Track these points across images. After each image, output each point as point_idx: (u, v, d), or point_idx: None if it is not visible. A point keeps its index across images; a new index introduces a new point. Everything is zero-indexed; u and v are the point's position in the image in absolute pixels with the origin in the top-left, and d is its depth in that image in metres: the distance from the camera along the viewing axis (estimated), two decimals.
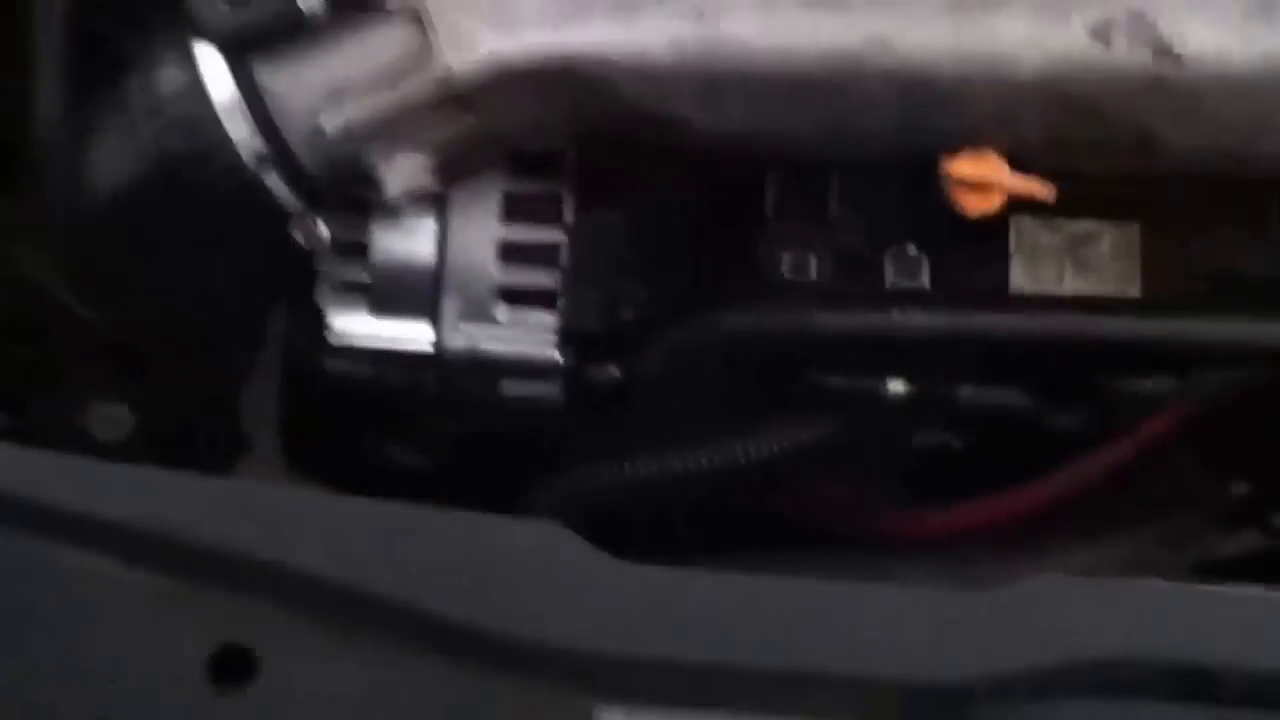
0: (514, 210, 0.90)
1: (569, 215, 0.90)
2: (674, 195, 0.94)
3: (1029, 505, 0.93)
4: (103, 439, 0.93)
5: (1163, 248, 0.88)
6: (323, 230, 0.86)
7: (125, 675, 0.75)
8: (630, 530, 0.82)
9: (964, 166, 0.80)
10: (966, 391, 0.88)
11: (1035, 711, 0.69)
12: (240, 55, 0.81)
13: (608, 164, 0.91)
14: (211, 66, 0.82)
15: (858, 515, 0.98)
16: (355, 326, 0.91)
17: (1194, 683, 0.68)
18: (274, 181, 0.83)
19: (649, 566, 0.72)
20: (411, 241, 0.90)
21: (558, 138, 0.87)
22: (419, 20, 0.79)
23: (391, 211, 0.87)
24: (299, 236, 0.86)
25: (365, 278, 0.90)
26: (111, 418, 0.93)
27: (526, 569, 0.72)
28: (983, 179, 0.80)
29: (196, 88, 0.82)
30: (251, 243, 0.88)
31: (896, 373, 0.88)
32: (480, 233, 0.90)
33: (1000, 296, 0.87)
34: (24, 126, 0.91)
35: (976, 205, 0.82)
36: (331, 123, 0.81)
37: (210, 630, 0.74)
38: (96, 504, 0.75)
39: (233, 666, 0.74)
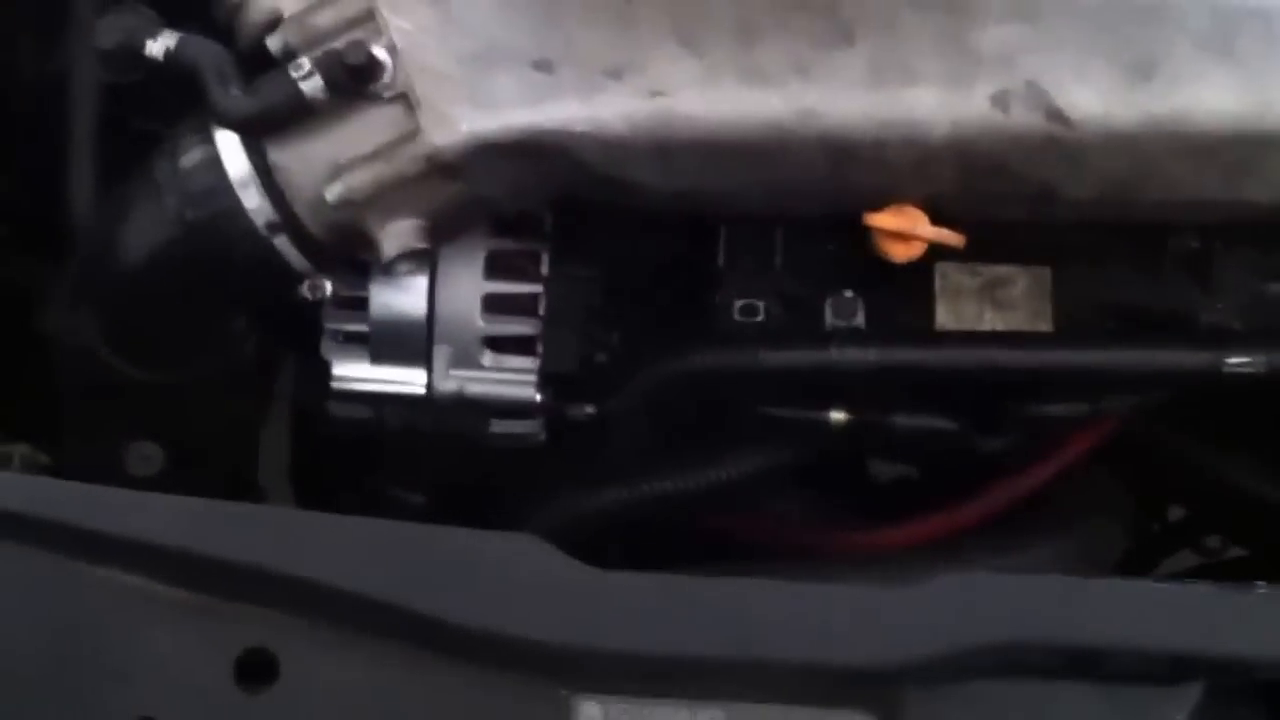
0: (496, 267, 1.00)
1: (545, 270, 1.01)
2: (638, 252, 1.05)
3: (961, 521, 1.03)
4: (136, 474, 1.03)
5: (1070, 287, 0.98)
6: (328, 288, 0.96)
7: (162, 679, 0.84)
8: (603, 547, 0.92)
9: (886, 220, 0.91)
10: (901, 419, 0.98)
11: (955, 691, 0.79)
12: (253, 136, 0.92)
13: (580, 225, 1.02)
14: (228, 146, 0.92)
15: (805, 534, 1.08)
16: (356, 372, 1.01)
17: (1084, 661, 0.78)
18: (284, 245, 0.93)
19: (617, 572, 0.82)
20: (405, 297, 1.00)
21: (534, 202, 0.98)
22: (408, 103, 0.90)
23: (387, 270, 0.97)
24: (306, 293, 0.96)
25: (365, 329, 1.00)
26: (144, 454, 1.04)
27: (510, 575, 0.83)
28: (904, 230, 0.91)
29: (215, 164, 0.92)
30: (264, 300, 0.99)
31: (838, 404, 0.99)
32: (466, 288, 1.00)
33: (927, 333, 0.97)
34: (61, 205, 1.03)
35: (901, 253, 0.92)
36: (333, 193, 0.91)
37: (235, 637, 0.84)
38: (131, 528, 0.85)
39: (256, 668, 0.84)
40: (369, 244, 0.93)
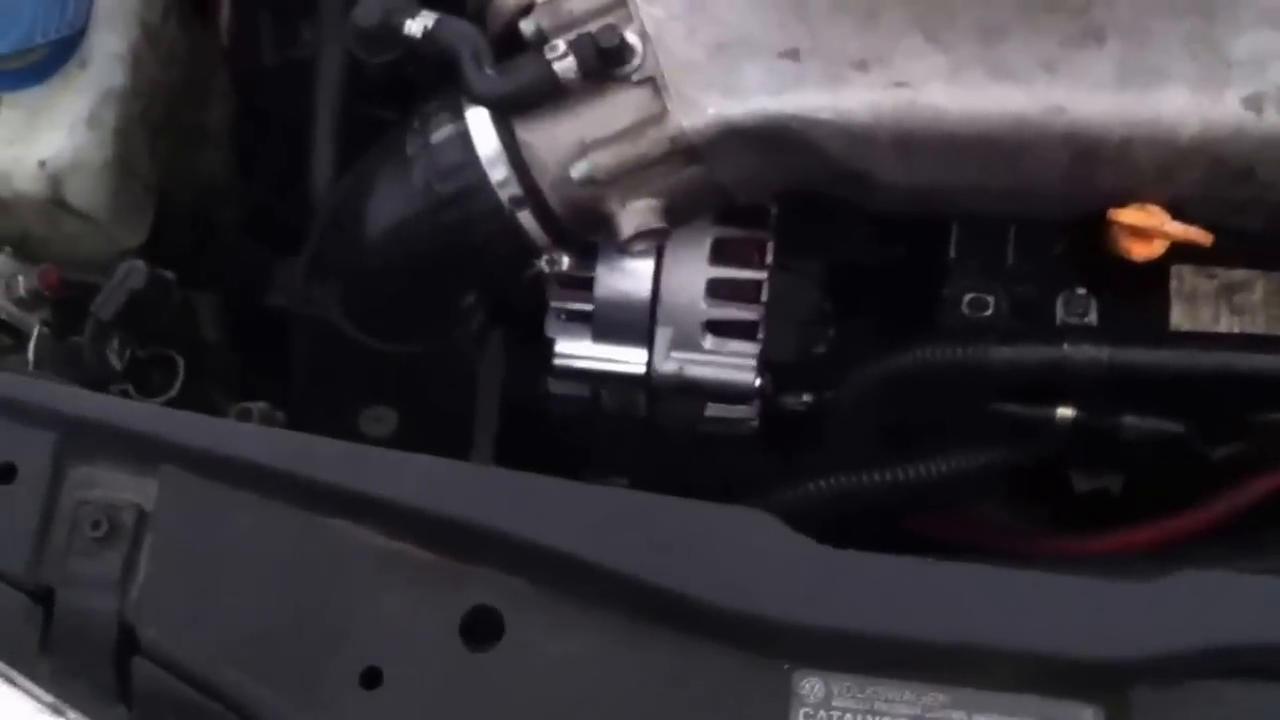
0: (722, 254, 1.03)
1: (770, 259, 1.03)
2: (863, 247, 1.06)
3: (1177, 529, 1.01)
4: (369, 434, 1.07)
5: None
6: (565, 262, 0.99)
7: (390, 631, 0.87)
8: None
9: (1130, 215, 0.91)
10: (1130, 421, 0.97)
11: (1184, 691, 0.78)
12: (504, 113, 0.95)
13: (807, 218, 1.03)
14: (478, 123, 0.96)
15: (1013, 538, 1.07)
16: (577, 350, 1.04)
17: None
18: (526, 219, 0.96)
19: (845, 550, 0.83)
20: (631, 278, 1.03)
21: (769, 192, 0.99)
22: (656, 87, 0.92)
23: (619, 250, 1.00)
24: (544, 266, 0.99)
25: (589, 308, 1.03)
26: (376, 416, 1.08)
27: (736, 548, 0.84)
28: (1146, 226, 0.90)
29: (465, 140, 0.96)
30: (502, 274, 1.02)
31: (1066, 402, 0.98)
32: (692, 272, 1.02)
33: (1162, 332, 0.96)
34: (299, 185, 1.07)
35: (1140, 251, 0.92)
36: (578, 170, 0.94)
37: (464, 595, 0.86)
38: (369, 483, 0.88)
39: (483, 628, 0.86)
40: (607, 222, 0.96)
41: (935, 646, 0.81)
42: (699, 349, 1.04)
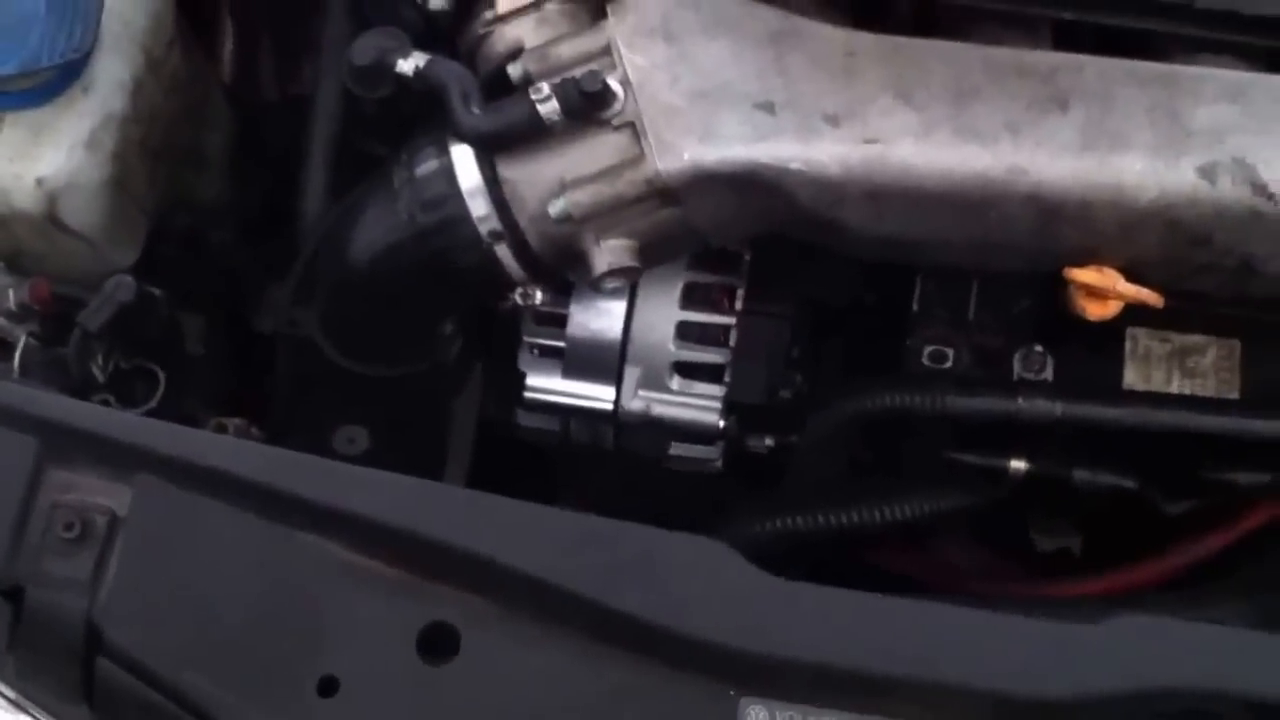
0: (692, 298, 1.06)
1: (739, 305, 1.06)
2: (830, 295, 1.09)
3: (1137, 579, 1.04)
4: (341, 453, 1.09)
5: (1259, 361, 1.00)
6: (538, 296, 1.02)
7: (350, 642, 0.89)
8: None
9: (1086, 275, 0.94)
10: (1082, 474, 1.00)
11: None
12: (487, 150, 0.98)
13: (776, 266, 1.07)
14: (462, 159, 0.99)
15: (978, 582, 1.10)
16: (548, 384, 1.08)
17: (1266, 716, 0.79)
18: (504, 253, 0.99)
19: (797, 582, 0.85)
20: (602, 318, 1.06)
21: (740, 236, 1.03)
22: (635, 131, 0.96)
23: (592, 288, 1.03)
24: (518, 299, 1.02)
25: (561, 344, 1.06)
26: (349, 436, 1.10)
27: (690, 576, 0.86)
28: (1102, 286, 0.94)
29: (449, 174, 0.99)
30: (477, 303, 1.05)
31: (1019, 454, 1.01)
32: (662, 315, 1.06)
33: (1115, 390, 0.99)
34: (291, 212, 1.10)
35: (1096, 311, 0.95)
36: (556, 208, 0.97)
37: (422, 610, 0.88)
38: (334, 497, 0.90)
39: (439, 642, 0.88)
40: (581, 258, 0.99)
41: (876, 678, 0.83)
42: (666, 389, 1.07)
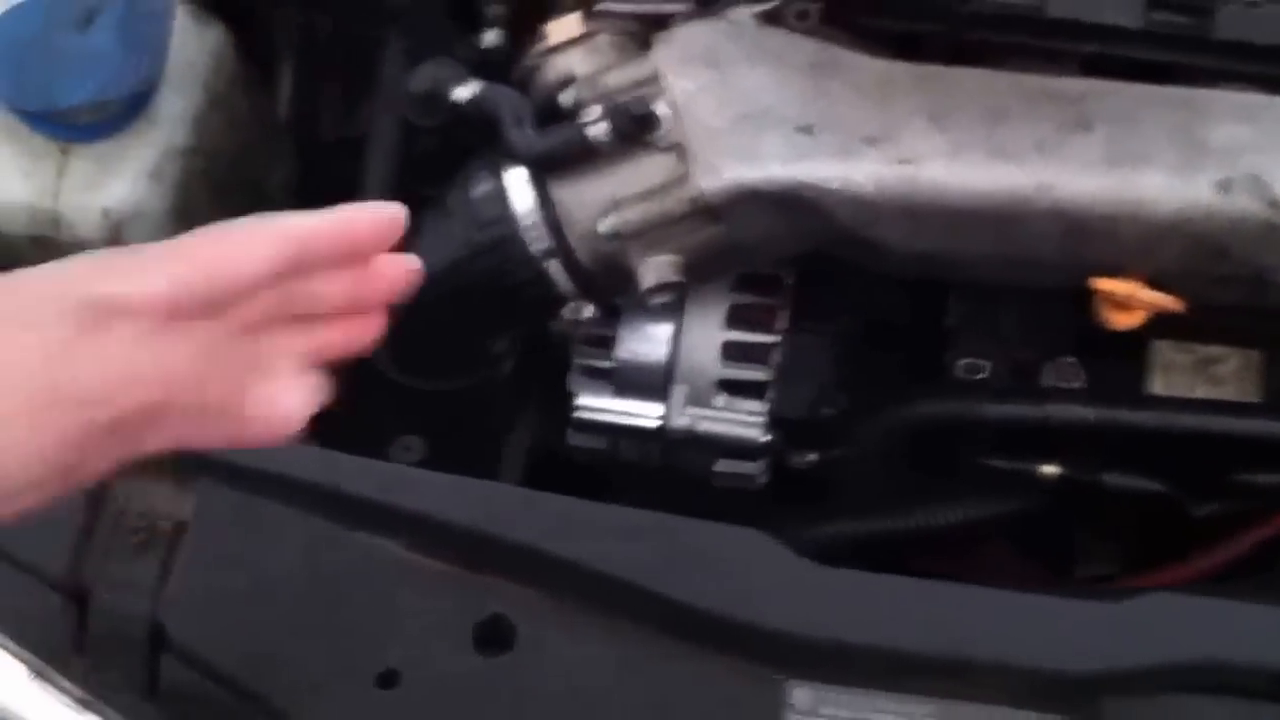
0: (737, 318, 1.10)
1: (783, 324, 1.10)
2: (872, 312, 1.14)
3: (1167, 581, 1.07)
4: (398, 461, 1.13)
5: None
6: (588, 311, 1.07)
7: (408, 637, 0.93)
8: None
9: (1110, 284, 0.98)
10: (1112, 478, 1.04)
11: (1154, 704, 0.83)
12: (540, 171, 1.03)
13: (820, 285, 1.11)
14: (515, 180, 1.04)
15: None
16: (597, 404, 1.11)
17: None
18: (555, 270, 1.04)
19: (839, 569, 0.89)
20: (650, 340, 1.10)
21: (782, 254, 1.07)
22: (681, 152, 1.01)
23: (636, 315, 1.07)
24: (569, 315, 1.07)
25: (610, 365, 1.10)
26: (406, 445, 1.14)
27: (739, 564, 0.90)
28: (1126, 295, 0.98)
29: (502, 195, 1.04)
30: (530, 321, 1.09)
31: (1051, 460, 1.05)
32: (708, 335, 1.10)
33: (1143, 395, 1.03)
34: None
35: (1122, 320, 0.99)
36: (605, 225, 1.02)
37: (478, 604, 0.92)
38: (391, 496, 0.95)
39: (495, 635, 0.92)
40: (629, 275, 1.04)
41: (920, 659, 0.86)
42: (711, 406, 1.11)
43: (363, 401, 1.15)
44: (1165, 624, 0.85)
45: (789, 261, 1.10)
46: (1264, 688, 0.83)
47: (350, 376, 1.15)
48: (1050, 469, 1.04)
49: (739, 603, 0.89)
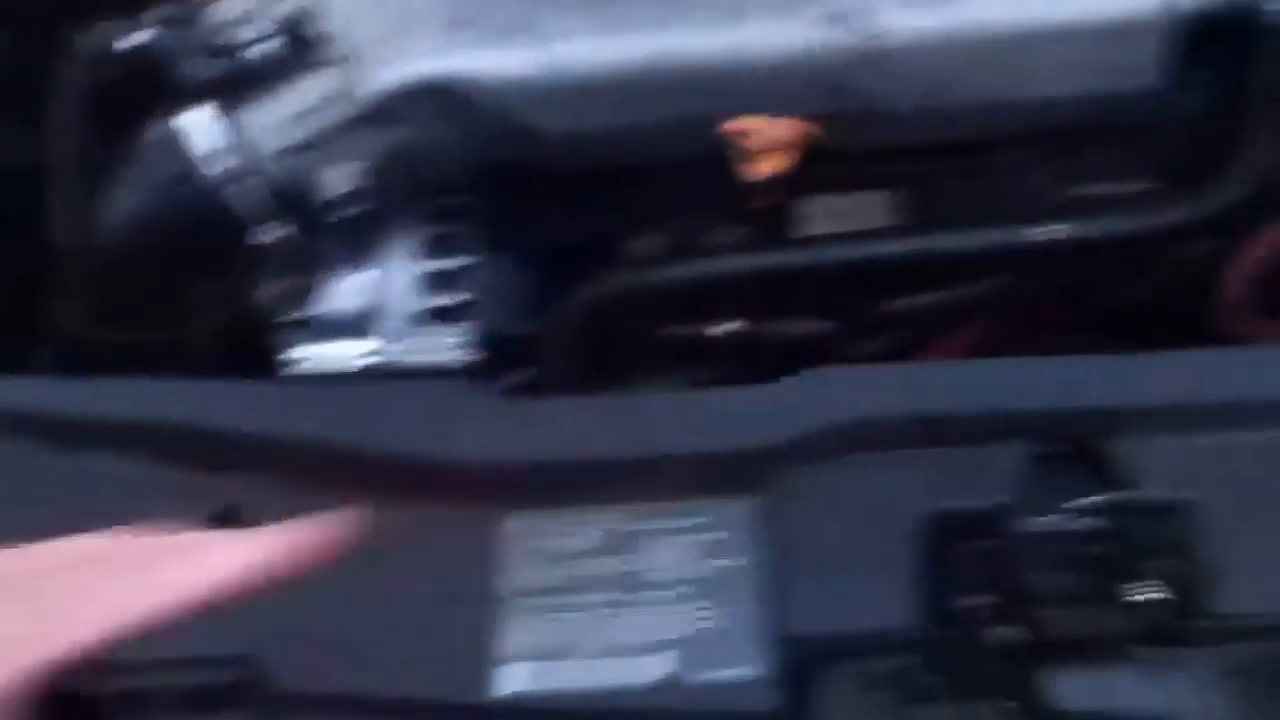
0: (430, 247, 1.17)
1: (478, 247, 1.17)
2: (556, 221, 1.21)
3: None
4: None
5: (920, 209, 1.15)
6: (282, 232, 1.12)
7: None
8: None
9: (736, 125, 1.07)
10: (780, 328, 1.13)
11: (825, 467, 0.91)
12: (213, 101, 1.09)
13: (505, 207, 1.18)
14: (194, 115, 1.09)
15: None
16: (300, 353, 1.14)
17: (927, 429, 0.92)
18: (242, 193, 1.09)
19: (536, 401, 0.95)
20: (348, 282, 1.15)
21: (461, 163, 1.14)
22: (345, 62, 1.09)
23: (330, 260, 1.13)
24: (266, 239, 1.12)
25: (310, 314, 1.14)
26: None
27: (433, 411, 0.96)
28: (753, 133, 1.07)
29: (182, 129, 1.09)
30: (227, 254, 1.14)
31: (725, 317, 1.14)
32: (403, 268, 1.16)
33: (793, 238, 1.13)
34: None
35: (766, 166, 1.09)
36: (283, 142, 1.08)
37: (207, 499, 0.94)
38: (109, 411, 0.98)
39: (225, 525, 0.93)
40: (317, 189, 1.10)
41: (615, 464, 0.92)
42: (416, 337, 1.16)
43: (59, 360, 1.19)
44: (822, 394, 0.93)
45: (483, 185, 1.17)
46: (917, 435, 0.91)
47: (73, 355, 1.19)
48: (719, 329, 1.13)
49: (441, 445, 0.94)
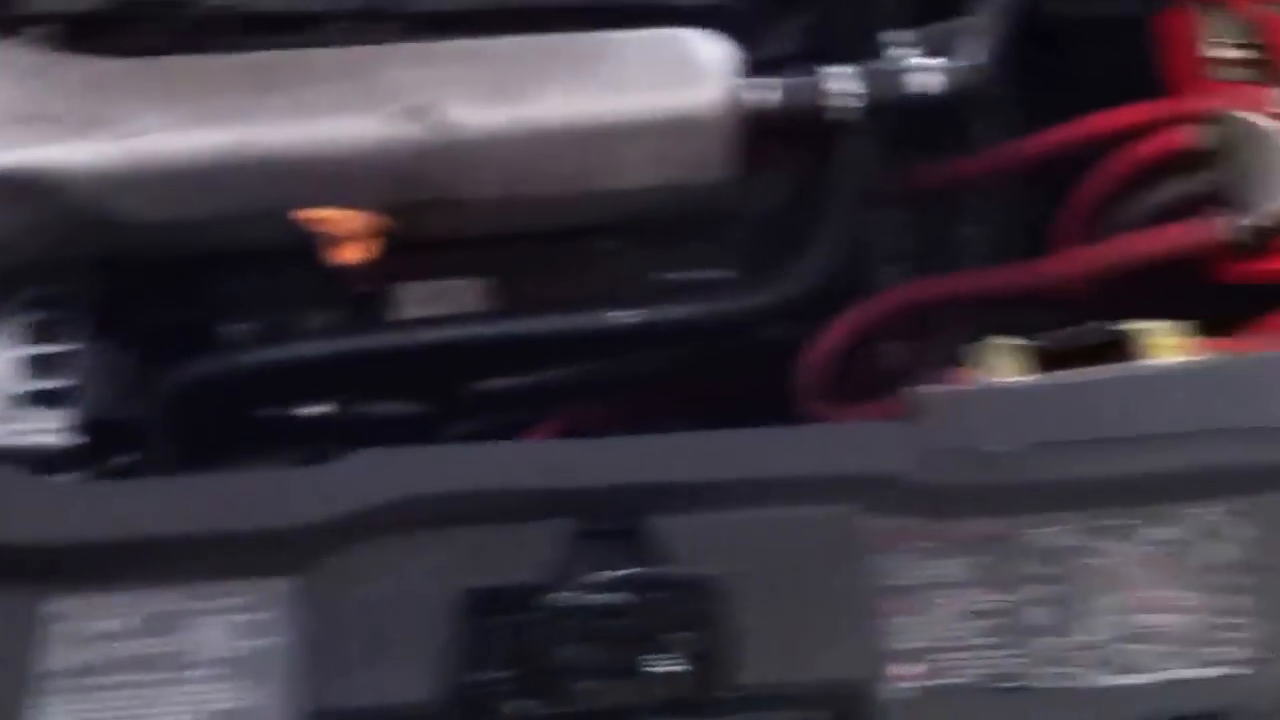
0: (36, 332, 1.17)
1: (81, 333, 1.17)
2: (163, 307, 1.22)
3: None
4: None
5: (516, 292, 1.19)
6: None
7: None
8: None
9: (307, 214, 1.10)
10: (375, 408, 1.15)
11: (364, 547, 0.93)
12: None
13: (115, 295, 1.19)
14: None
15: None
16: None
17: (466, 507, 0.94)
18: None
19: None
20: None
21: (37, 252, 1.14)
22: None
23: None
24: None
25: None
26: None
27: None
28: (322, 221, 1.10)
29: None
30: None
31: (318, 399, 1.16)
32: (3, 352, 1.16)
33: (385, 322, 1.16)
34: None
35: (348, 254, 1.12)
36: None
37: None
38: None
39: None
40: None
41: (166, 543, 0.93)
42: (16, 420, 1.16)
43: None
44: (370, 475, 0.95)
45: (83, 271, 1.18)
46: (461, 513, 0.93)
47: None
48: (312, 410, 1.15)
49: None
